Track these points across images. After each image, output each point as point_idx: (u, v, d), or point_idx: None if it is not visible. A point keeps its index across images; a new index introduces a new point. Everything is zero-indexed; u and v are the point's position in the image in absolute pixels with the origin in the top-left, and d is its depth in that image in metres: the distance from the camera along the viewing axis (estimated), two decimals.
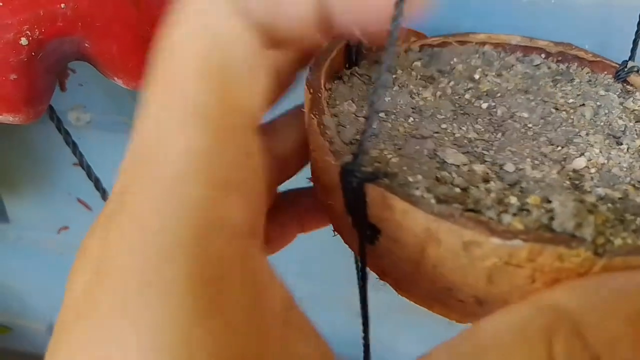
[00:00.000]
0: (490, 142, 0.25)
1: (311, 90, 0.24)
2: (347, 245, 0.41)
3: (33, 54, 0.24)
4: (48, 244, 0.60)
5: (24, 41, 0.24)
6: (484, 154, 0.24)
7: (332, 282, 0.53)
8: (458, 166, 0.22)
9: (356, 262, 0.45)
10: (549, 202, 0.19)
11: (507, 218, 0.18)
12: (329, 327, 0.56)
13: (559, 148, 0.25)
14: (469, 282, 0.19)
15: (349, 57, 0.30)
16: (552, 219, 0.18)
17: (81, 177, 0.53)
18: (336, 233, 0.28)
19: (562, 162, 0.23)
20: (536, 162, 0.23)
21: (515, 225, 0.18)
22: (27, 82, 0.25)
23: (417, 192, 0.19)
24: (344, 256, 0.51)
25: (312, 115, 0.23)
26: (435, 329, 0.54)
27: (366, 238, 0.22)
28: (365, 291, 0.24)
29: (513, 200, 0.19)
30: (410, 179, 0.20)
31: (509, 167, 0.23)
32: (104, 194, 0.40)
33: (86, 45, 0.26)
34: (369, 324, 0.27)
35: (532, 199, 0.19)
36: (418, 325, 0.54)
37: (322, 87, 0.25)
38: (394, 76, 0.29)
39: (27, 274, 0.65)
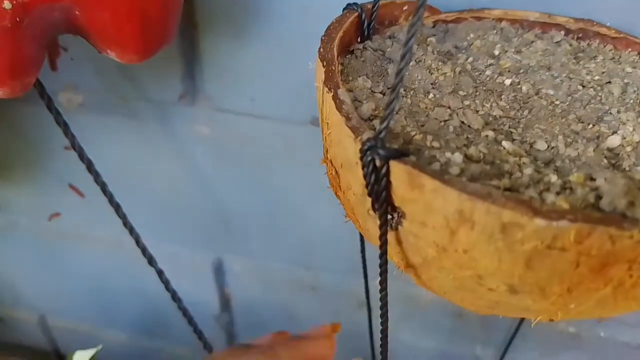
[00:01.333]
0: (517, 120, 0.23)
1: (324, 63, 0.23)
2: (356, 235, 0.39)
3: (18, 19, 0.22)
4: (39, 231, 0.57)
5: (7, 4, 0.21)
6: (512, 132, 0.22)
7: (337, 272, 0.51)
8: (488, 143, 0.20)
9: (362, 251, 0.43)
10: (593, 180, 0.17)
11: (550, 197, 0.16)
12: (333, 318, 0.54)
13: (590, 126, 0.23)
14: (503, 268, 0.17)
15: (362, 31, 0.28)
16: (599, 197, 0.16)
17: (73, 162, 0.51)
18: (348, 219, 0.26)
19: (596, 140, 0.22)
20: (569, 140, 0.22)
21: (561, 204, 0.16)
22: (11, 51, 0.23)
23: (448, 170, 0.17)
24: (348, 246, 0.49)
25: (327, 89, 0.21)
26: (438, 319, 0.53)
27: (388, 223, 0.20)
28: (385, 282, 0.22)
29: (553, 178, 0.17)
30: (438, 156, 0.18)
31: (541, 145, 0.21)
32: (96, 177, 0.38)
33: (77, 12, 0.24)
34: (388, 316, 0.25)
35: (575, 177, 0.17)
36: (421, 315, 0.52)
37: (336, 60, 0.23)
38: None
39: (17, 263, 0.63)
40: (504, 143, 0.20)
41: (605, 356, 0.50)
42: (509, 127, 0.22)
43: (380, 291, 0.22)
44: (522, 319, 0.48)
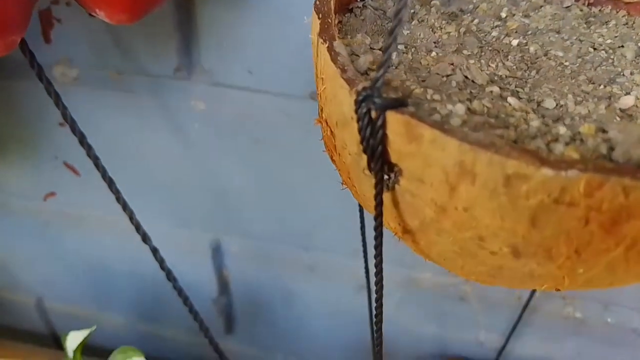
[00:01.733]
0: (524, 80, 0.22)
1: (320, 15, 0.21)
2: (357, 215, 0.38)
3: None
4: (34, 211, 0.57)
5: None
6: (518, 92, 0.21)
7: (337, 253, 0.50)
8: (492, 99, 0.19)
9: (362, 231, 0.42)
10: (605, 132, 0.16)
11: (558, 147, 0.15)
12: (333, 300, 0.53)
13: (602, 86, 0.22)
14: (507, 226, 0.16)
15: None
16: (611, 149, 0.15)
17: (68, 139, 0.50)
18: (345, 186, 0.25)
19: (608, 100, 0.21)
20: (579, 98, 0.20)
21: (570, 154, 0.15)
22: None
23: (449, 121, 0.16)
24: (348, 227, 0.48)
25: (322, 40, 0.20)
26: (441, 304, 0.52)
27: (385, 183, 0.19)
28: (381, 246, 0.21)
29: (562, 130, 0.16)
30: (438, 109, 0.17)
31: (549, 103, 0.20)
32: (89, 150, 0.37)
33: None
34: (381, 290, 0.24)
35: (586, 128, 0.16)
36: (423, 300, 0.51)
37: (332, 12, 0.22)
38: (411, 11, 0.26)
39: (12, 244, 0.62)
40: (509, 99, 0.19)
41: (612, 343, 0.48)
42: (516, 87, 0.21)
43: (376, 256, 0.21)
44: (527, 304, 0.47)
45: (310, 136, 0.42)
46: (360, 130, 0.17)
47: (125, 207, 0.40)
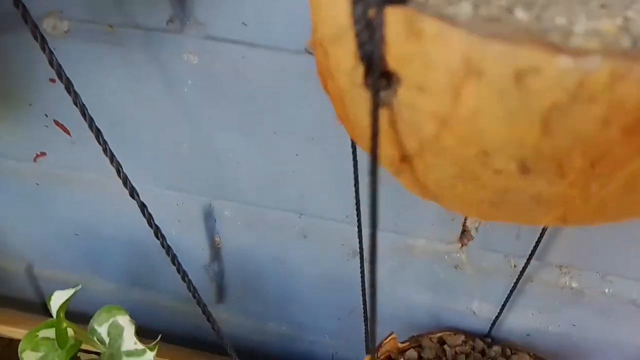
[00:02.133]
0: (531, 4, 0.20)
1: None
2: (352, 180, 0.37)
3: None
4: (23, 173, 0.55)
5: None
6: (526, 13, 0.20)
7: (330, 219, 0.49)
8: (499, 8, 0.17)
9: (357, 197, 0.40)
10: (627, 30, 0.14)
11: (577, 40, 0.14)
12: (325, 267, 0.51)
13: (616, 11, 0.20)
14: (515, 136, 0.15)
15: None
16: (635, 43, 0.14)
17: (59, 96, 0.48)
18: (339, 122, 0.24)
19: (624, 22, 0.19)
20: (592, 16, 0.19)
21: (589, 46, 0.13)
22: None
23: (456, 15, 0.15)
24: (343, 193, 0.47)
25: None
26: (434, 272, 0.51)
27: (382, 101, 0.17)
28: (375, 169, 0.19)
29: (579, 27, 0.14)
30: (442, 10, 0.16)
31: (560, 21, 0.18)
32: (75, 98, 0.35)
33: None
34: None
35: (605, 26, 0.14)
36: (416, 268, 0.50)
37: None
38: None
39: (1, 207, 0.60)
40: (517, 12, 0.18)
41: (609, 314, 0.47)
42: (523, 9, 0.20)
43: (370, 184, 0.19)
44: (522, 272, 0.45)
45: (307, 93, 0.41)
46: (357, 35, 0.16)
47: (112, 159, 0.38)
